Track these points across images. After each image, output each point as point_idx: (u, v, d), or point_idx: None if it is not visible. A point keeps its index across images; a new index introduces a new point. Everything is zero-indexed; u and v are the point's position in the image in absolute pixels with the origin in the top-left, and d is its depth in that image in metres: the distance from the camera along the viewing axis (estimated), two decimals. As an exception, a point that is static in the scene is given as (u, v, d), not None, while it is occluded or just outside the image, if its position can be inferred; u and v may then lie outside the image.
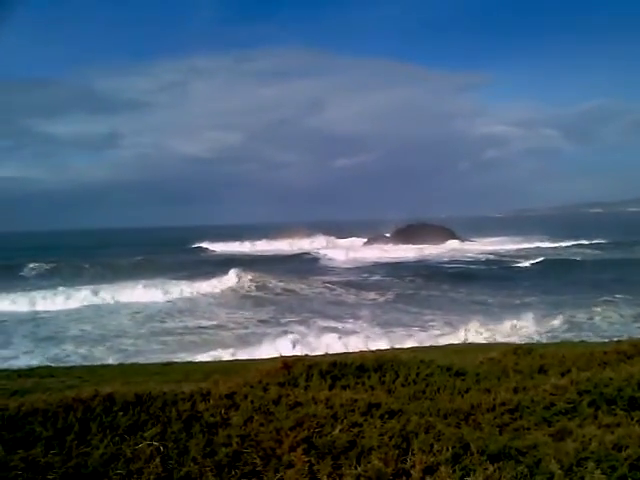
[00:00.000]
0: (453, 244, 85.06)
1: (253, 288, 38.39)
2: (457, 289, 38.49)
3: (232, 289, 38.12)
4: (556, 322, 24.93)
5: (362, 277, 47.74)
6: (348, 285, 40.76)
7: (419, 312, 30.36)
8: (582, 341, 16.92)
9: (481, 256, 67.44)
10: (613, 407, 5.01)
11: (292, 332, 24.25)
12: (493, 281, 42.58)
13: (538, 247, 79.46)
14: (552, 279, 41.64)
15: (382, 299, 35.01)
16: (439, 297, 35.42)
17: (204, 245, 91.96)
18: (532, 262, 54.94)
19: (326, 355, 11.14)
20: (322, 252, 72.42)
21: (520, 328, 23.92)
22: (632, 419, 4.71)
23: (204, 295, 36.85)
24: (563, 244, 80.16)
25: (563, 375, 6.27)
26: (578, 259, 58.44)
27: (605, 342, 13.75)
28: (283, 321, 27.90)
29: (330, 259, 66.28)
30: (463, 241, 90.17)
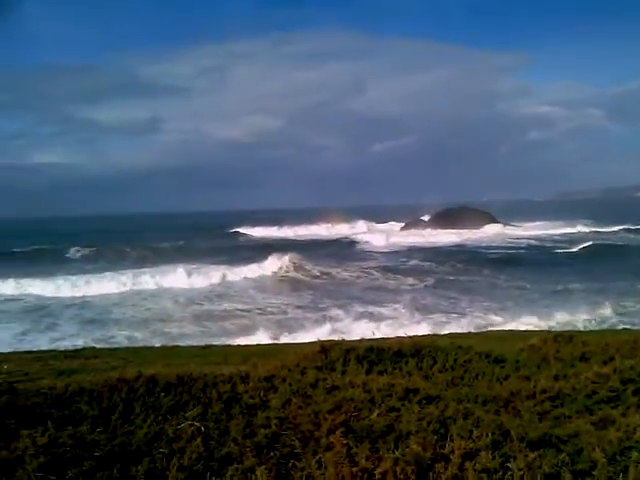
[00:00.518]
0: (494, 228, 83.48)
1: (292, 273, 38.50)
2: (498, 275, 37.92)
3: (272, 274, 38.31)
4: (607, 311, 24.25)
5: (400, 262, 47.27)
6: (386, 270, 40.45)
7: (457, 298, 30.12)
8: (625, 329, 16.48)
9: (522, 241, 66.13)
10: (658, 396, 4.89)
11: (330, 317, 24.35)
12: (535, 267, 41.65)
13: (580, 232, 77.19)
14: (597, 265, 40.43)
15: (421, 285, 34.80)
16: (479, 282, 34.92)
17: (242, 230, 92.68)
18: (575, 248, 53.43)
19: (363, 340, 11.16)
20: (360, 237, 72.09)
21: (569, 321, 23.41)
22: (678, 409, 4.59)
23: (245, 279, 37.06)
24: (608, 229, 77.45)
25: (606, 363, 6.15)
26: (623, 244, 56.57)
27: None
28: (322, 306, 27.95)
29: (368, 244, 65.91)
30: (504, 225, 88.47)
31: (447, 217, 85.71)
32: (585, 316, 23.22)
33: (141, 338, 21.32)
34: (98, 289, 33.88)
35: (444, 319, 24.07)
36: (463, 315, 25.01)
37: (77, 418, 4.34)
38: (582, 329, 19.03)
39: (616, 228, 77.49)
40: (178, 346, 14.34)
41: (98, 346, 14.51)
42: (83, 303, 30.29)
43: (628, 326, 19.05)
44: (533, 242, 65.39)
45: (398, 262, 47.27)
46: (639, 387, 5.01)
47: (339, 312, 25.74)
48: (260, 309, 27.95)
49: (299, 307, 28.24)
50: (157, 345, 15.44)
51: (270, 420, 4.28)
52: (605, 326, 20.08)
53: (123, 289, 34.36)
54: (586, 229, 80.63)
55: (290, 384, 5.18)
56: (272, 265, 39.77)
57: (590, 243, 55.21)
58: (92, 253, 57.43)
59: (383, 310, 26.46)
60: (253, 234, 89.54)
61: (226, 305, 29.29)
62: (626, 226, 77.76)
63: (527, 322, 21.76)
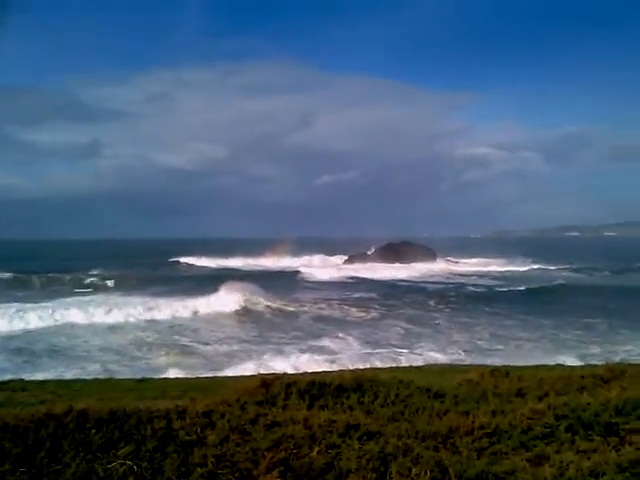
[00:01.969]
0: (435, 263, 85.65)
1: (240, 307, 37.30)
2: (439, 307, 38.89)
3: (221, 307, 36.92)
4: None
5: (348, 294, 47.64)
6: (337, 302, 40.62)
7: (404, 327, 30.86)
8: (558, 364, 17.03)
9: (462, 278, 68.08)
10: (590, 432, 5.03)
11: (282, 351, 24.06)
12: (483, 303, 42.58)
13: (520, 270, 79.63)
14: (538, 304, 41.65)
15: (368, 316, 35.24)
16: (421, 315, 35.51)
17: (185, 260, 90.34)
18: (515, 288, 54.77)
19: (305, 374, 11.06)
20: (305, 269, 72.00)
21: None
22: (609, 445, 4.73)
23: (194, 315, 34.94)
24: (551, 267, 79.93)
25: (541, 399, 6.30)
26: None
27: (582, 366, 13.87)
28: (273, 340, 27.58)
29: (313, 276, 66.01)
30: (445, 261, 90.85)
31: (390, 251, 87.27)
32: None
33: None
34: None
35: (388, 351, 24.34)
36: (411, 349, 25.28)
37: (-1, 457, 4.07)
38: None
39: (557, 267, 79.80)
40: (112, 379, 13.79)
41: (26, 378, 13.75)
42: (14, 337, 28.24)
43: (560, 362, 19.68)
44: (473, 278, 67.19)
45: (346, 294, 47.50)
46: (572, 423, 5.15)
47: (289, 347, 25.47)
48: (205, 342, 27.26)
49: (246, 341, 27.71)
50: (89, 378, 14.78)
51: (207, 458, 4.14)
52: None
53: (53, 323, 30.84)
54: (523, 267, 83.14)
55: (229, 420, 5.04)
56: (224, 299, 37.94)
57: (523, 287, 56.16)
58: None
59: (334, 343, 26.47)
60: (196, 264, 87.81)
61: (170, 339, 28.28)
62: (568, 265, 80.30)
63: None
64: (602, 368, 8.91)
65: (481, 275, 71.07)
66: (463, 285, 57.52)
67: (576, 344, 26.20)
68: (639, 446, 4.55)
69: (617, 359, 20.31)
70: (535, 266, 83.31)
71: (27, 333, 28.56)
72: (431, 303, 41.61)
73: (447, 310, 38.12)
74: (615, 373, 8.14)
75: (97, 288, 50.70)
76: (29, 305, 34.33)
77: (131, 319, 32.81)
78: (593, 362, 17.52)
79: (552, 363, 17.32)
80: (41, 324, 30.44)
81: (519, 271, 77.63)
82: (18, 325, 29.88)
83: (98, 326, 31.02)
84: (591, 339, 27.30)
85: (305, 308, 38.25)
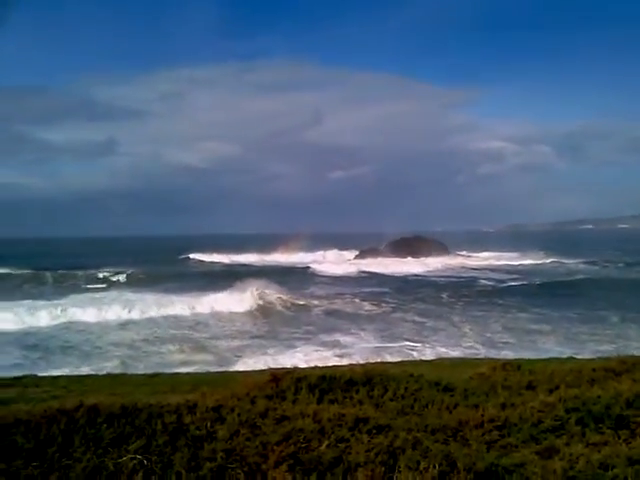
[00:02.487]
0: (446, 257, 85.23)
1: (253, 303, 36.76)
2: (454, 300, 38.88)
3: (233, 303, 36.35)
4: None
5: (359, 290, 47.48)
6: (347, 296, 40.60)
7: (416, 320, 30.93)
8: (570, 357, 16.92)
9: (475, 271, 67.73)
10: (600, 425, 5.00)
11: (294, 346, 24.11)
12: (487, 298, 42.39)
13: (533, 263, 78.80)
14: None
15: (380, 310, 35.27)
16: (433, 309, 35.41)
17: (195, 256, 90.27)
18: (517, 282, 54.35)
19: (315, 368, 11.06)
20: (317, 265, 71.71)
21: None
22: (619, 438, 4.70)
23: (213, 311, 34.48)
24: (565, 260, 78.72)
25: (551, 392, 6.27)
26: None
27: (594, 359, 13.76)
28: (283, 335, 27.55)
29: (323, 271, 65.90)
30: (456, 255, 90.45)
31: (402, 246, 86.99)
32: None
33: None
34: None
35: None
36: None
37: (11, 452, 4.11)
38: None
39: (572, 260, 78.51)
40: (124, 374, 13.89)
41: (39, 374, 13.89)
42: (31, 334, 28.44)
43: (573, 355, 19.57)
44: (486, 272, 66.81)
45: (358, 289, 47.36)
46: (582, 416, 5.12)
47: (300, 342, 25.52)
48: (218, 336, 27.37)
49: (263, 337, 27.71)
50: (101, 373, 14.90)
51: (216, 452, 4.16)
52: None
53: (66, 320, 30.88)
54: (539, 260, 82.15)
55: (239, 414, 5.07)
56: (236, 295, 37.46)
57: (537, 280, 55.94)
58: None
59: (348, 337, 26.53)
60: (208, 259, 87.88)
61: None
62: (583, 259, 78.92)
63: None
64: (614, 361, 8.84)
65: (494, 269, 70.60)
66: (475, 279, 57.20)
67: (588, 337, 26.00)
68: (650, 439, 4.51)
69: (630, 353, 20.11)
70: (548, 260, 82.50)
71: (40, 330, 28.75)
72: (443, 296, 41.52)
73: (460, 304, 37.95)
74: (627, 366, 8.08)
75: (110, 284, 51.03)
76: (42, 302, 34.65)
77: (145, 315, 32.73)
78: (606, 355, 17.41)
79: (564, 356, 17.22)
80: (53, 322, 30.56)
81: (533, 264, 77.02)
82: (30, 322, 30.03)
83: (109, 323, 31.13)
84: (605, 332, 27.10)
85: (316, 302, 38.19)
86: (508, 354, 20.57)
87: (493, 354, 21.36)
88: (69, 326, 29.83)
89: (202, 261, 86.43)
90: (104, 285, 50.42)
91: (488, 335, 26.89)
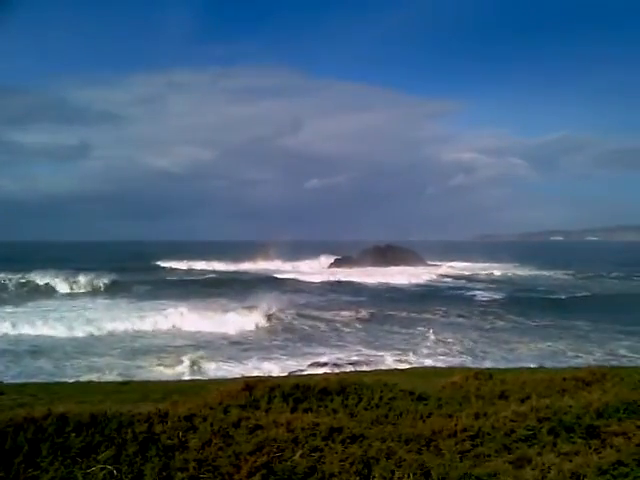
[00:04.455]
0: (421, 267, 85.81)
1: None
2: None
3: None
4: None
5: (331, 299, 47.43)
6: (318, 308, 40.12)
7: (389, 330, 30.96)
8: (541, 367, 17.17)
9: (448, 279, 68.40)
10: (572, 435, 5.06)
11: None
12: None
13: (493, 273, 79.61)
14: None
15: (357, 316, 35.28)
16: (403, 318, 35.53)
17: (161, 263, 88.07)
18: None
19: (289, 377, 11.02)
20: (292, 275, 71.04)
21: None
22: (590, 447, 4.76)
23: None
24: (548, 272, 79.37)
25: (523, 401, 6.32)
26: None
27: (564, 369, 13.97)
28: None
29: (295, 279, 65.41)
30: (429, 264, 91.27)
31: (375, 255, 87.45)
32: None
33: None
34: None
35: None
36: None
37: (-25, 461, 3.99)
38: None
39: (557, 272, 78.73)
40: (94, 382, 13.63)
41: (5, 382, 13.54)
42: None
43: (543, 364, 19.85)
44: (462, 281, 67.49)
45: (329, 299, 47.25)
46: (554, 426, 5.17)
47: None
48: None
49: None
50: (70, 381, 14.58)
51: (188, 462, 4.10)
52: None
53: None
54: (507, 271, 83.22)
55: (211, 423, 5.00)
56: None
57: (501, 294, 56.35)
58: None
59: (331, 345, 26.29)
60: (173, 266, 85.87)
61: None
62: (565, 271, 79.03)
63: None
64: (584, 371, 8.98)
65: (469, 279, 71.44)
66: (468, 289, 57.72)
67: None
68: (620, 449, 4.58)
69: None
70: (519, 271, 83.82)
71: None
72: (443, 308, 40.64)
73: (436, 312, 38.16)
74: (597, 376, 8.21)
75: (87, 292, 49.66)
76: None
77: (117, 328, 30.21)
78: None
79: (535, 366, 17.46)
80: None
81: (510, 274, 78.17)
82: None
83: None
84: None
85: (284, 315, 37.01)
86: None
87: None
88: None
89: (164, 267, 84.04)
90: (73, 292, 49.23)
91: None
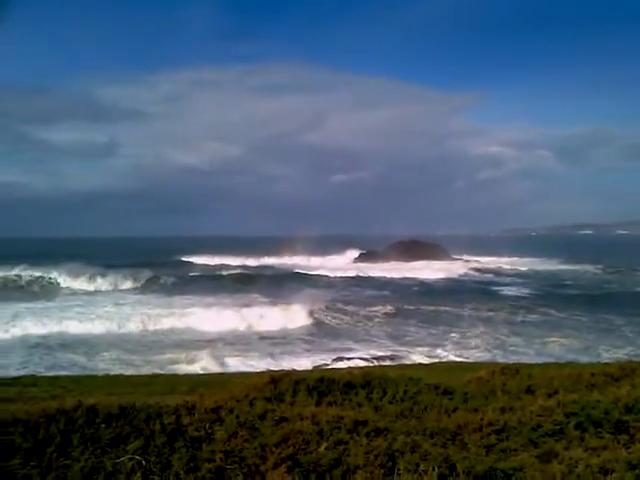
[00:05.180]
0: (447, 262, 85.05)
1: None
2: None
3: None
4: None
5: (355, 293, 47.40)
6: (345, 303, 39.91)
7: (415, 324, 30.83)
8: (570, 362, 16.92)
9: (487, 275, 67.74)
10: (600, 430, 4.99)
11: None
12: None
13: (541, 269, 78.11)
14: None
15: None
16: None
17: (187, 259, 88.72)
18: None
19: (314, 371, 11.07)
20: (319, 270, 70.78)
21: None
22: (618, 442, 4.69)
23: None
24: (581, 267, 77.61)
25: (550, 396, 6.25)
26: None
27: (593, 364, 13.76)
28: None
29: (319, 274, 65.24)
30: (455, 259, 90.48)
31: (401, 250, 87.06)
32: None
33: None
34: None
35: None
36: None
37: (9, 451, 4.10)
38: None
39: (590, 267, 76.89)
40: (122, 375, 13.88)
41: (38, 374, 13.87)
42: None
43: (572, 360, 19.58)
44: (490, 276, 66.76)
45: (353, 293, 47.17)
46: (581, 421, 5.11)
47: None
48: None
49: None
50: (100, 374, 14.88)
51: (215, 454, 4.15)
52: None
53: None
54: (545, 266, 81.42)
55: (237, 416, 5.05)
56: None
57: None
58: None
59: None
60: (200, 262, 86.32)
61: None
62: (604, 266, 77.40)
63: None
64: (613, 366, 8.83)
65: (497, 273, 70.62)
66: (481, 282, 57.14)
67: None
68: (649, 444, 4.51)
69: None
70: (547, 265, 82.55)
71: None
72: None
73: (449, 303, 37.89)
74: (626, 371, 8.06)
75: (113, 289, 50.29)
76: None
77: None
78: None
79: (563, 361, 17.22)
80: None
81: (539, 268, 77.05)
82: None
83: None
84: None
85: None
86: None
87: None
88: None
89: (192, 263, 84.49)
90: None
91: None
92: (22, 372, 16.58)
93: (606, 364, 10.63)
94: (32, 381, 11.09)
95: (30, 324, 29.13)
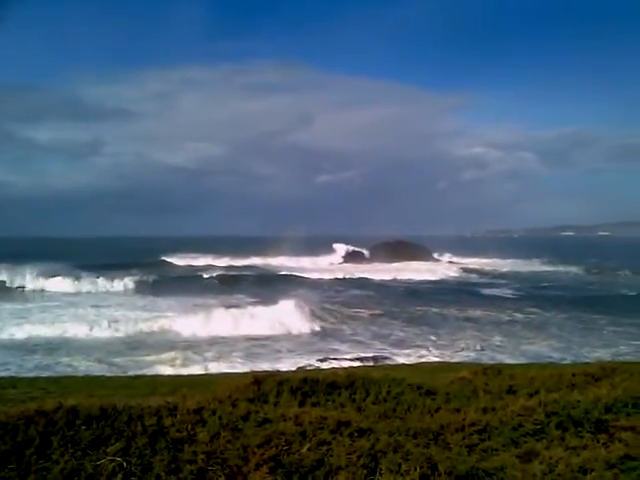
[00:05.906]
0: (430, 263, 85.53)
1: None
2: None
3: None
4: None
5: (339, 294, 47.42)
6: (331, 304, 39.79)
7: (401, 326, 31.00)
8: (551, 363, 17.11)
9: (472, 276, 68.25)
10: (580, 429, 5.04)
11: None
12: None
13: (522, 270, 78.92)
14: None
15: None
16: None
17: (171, 260, 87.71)
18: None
19: (298, 371, 11.06)
20: (302, 272, 70.45)
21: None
22: (598, 442, 4.75)
23: None
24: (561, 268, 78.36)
25: (532, 396, 6.31)
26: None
27: (574, 364, 13.93)
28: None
29: (303, 276, 64.91)
30: (439, 260, 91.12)
31: (385, 250, 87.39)
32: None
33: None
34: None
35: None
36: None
37: (-14, 454, 4.04)
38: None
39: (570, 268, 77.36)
40: (103, 376, 13.75)
41: (17, 375, 13.68)
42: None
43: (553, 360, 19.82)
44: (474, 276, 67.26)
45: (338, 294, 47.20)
46: (562, 420, 5.16)
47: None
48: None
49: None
50: (80, 375, 14.72)
51: (197, 455, 4.13)
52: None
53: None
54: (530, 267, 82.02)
55: (220, 417, 5.03)
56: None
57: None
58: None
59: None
60: (181, 263, 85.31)
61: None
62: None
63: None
64: (594, 366, 8.95)
65: (481, 274, 71.15)
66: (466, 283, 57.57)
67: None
68: (628, 443, 4.57)
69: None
70: (530, 266, 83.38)
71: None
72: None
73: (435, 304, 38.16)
74: (606, 371, 8.17)
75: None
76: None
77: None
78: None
79: (545, 362, 17.40)
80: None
81: (520, 269, 77.78)
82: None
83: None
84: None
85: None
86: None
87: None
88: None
89: (173, 263, 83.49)
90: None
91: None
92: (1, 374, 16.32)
93: (587, 364, 10.76)
94: (10, 383, 10.93)
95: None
